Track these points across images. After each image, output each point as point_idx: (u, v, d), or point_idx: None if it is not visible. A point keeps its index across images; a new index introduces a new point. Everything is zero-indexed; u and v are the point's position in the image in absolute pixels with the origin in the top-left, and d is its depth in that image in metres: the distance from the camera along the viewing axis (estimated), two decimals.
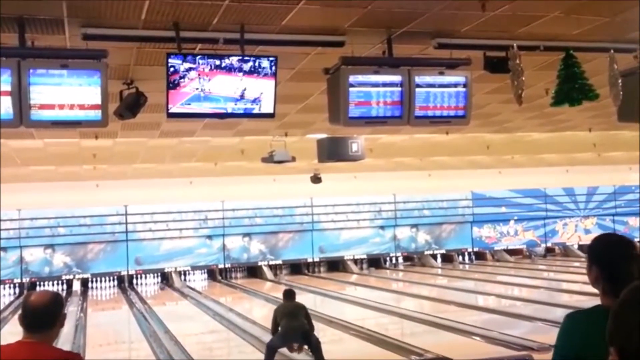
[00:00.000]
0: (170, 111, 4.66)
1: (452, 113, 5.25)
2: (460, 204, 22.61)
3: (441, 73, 5.19)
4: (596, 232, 23.83)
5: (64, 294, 18.72)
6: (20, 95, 4.32)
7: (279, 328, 7.67)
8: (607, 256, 2.29)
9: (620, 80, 5.24)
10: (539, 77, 6.46)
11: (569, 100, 5.35)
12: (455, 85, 5.23)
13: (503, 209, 22.87)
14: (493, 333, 9.98)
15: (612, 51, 5.26)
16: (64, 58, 4.46)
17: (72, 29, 4.57)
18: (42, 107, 4.39)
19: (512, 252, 22.90)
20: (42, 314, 2.80)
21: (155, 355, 9.66)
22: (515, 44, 5.09)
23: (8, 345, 2.76)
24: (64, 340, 11.26)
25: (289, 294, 8.06)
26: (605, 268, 2.26)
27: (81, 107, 4.47)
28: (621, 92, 5.24)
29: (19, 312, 2.82)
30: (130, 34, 4.73)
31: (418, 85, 5.10)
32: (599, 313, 2.14)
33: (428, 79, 5.15)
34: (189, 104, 4.67)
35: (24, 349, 2.71)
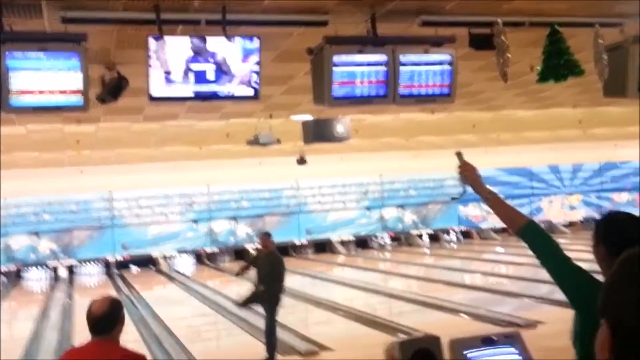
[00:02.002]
0: (152, 95, 4.60)
1: (437, 91, 5.22)
2: (446, 183, 22.69)
3: (426, 51, 5.15)
4: (581, 209, 24.10)
5: (50, 280, 18.67)
6: None
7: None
8: (615, 235, 2.19)
9: (605, 55, 5.23)
10: (525, 53, 6.43)
11: (555, 77, 5.33)
12: (441, 63, 5.18)
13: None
14: (480, 310, 10.05)
15: (597, 26, 5.24)
16: (42, 42, 4.37)
17: (51, 12, 4.48)
18: (22, 92, 4.31)
19: (498, 230, 23.08)
20: (103, 321, 3.31)
21: (144, 340, 9.65)
22: (500, 20, 5.05)
23: (82, 345, 3.36)
24: (52, 327, 11.24)
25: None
26: (614, 248, 2.14)
27: (62, 92, 4.39)
28: (607, 67, 5.23)
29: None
30: (110, 16, 4.64)
31: (403, 64, 5.05)
32: None
33: (413, 57, 5.10)
34: (170, 85, 4.60)
35: (96, 347, 3.27)
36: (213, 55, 4.68)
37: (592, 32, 5.22)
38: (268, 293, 7.72)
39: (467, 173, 2.76)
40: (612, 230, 2.24)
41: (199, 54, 4.64)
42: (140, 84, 5.09)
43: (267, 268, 7.85)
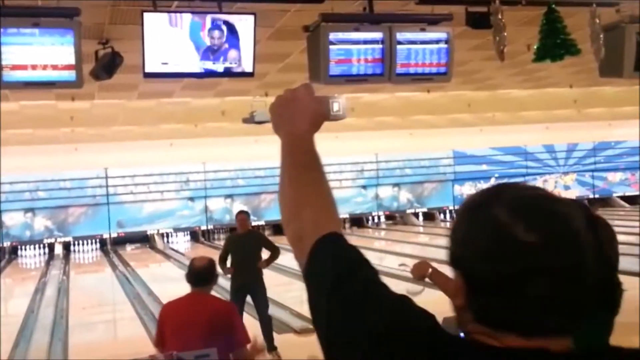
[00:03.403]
0: (146, 71, 4.57)
1: (433, 70, 5.20)
2: (441, 162, 22.70)
3: (423, 29, 5.12)
4: (575, 188, 24.15)
5: (45, 257, 18.68)
6: None
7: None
8: None
9: (602, 35, 5.21)
10: (521, 33, 6.40)
11: (551, 56, 5.31)
12: (437, 41, 5.16)
13: (484, 167, 23.01)
14: None
15: (594, 5, 5.22)
16: (35, 17, 4.33)
17: None
18: (15, 67, 4.29)
19: None
20: (203, 275, 4.02)
21: (139, 316, 9.68)
22: None
23: (184, 296, 4.04)
24: (47, 304, 11.27)
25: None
26: None
27: (54, 67, 4.36)
28: (603, 47, 5.21)
29: (185, 272, 4.11)
30: None
31: (399, 42, 5.03)
32: None
33: (409, 35, 5.08)
34: (166, 63, 4.58)
35: (194, 297, 3.98)
36: (208, 32, 4.65)
37: (588, 11, 5.20)
38: (255, 276, 6.99)
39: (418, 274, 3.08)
40: None
41: (193, 30, 4.60)
42: (134, 60, 5.06)
43: (249, 249, 7.06)
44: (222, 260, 7.04)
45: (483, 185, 22.90)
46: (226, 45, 4.74)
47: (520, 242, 0.90)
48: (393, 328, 0.98)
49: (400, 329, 0.98)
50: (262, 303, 7.06)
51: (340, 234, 1.17)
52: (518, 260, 0.90)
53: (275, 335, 7.44)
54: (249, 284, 7.01)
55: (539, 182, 23.86)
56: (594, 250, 0.92)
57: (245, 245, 7.09)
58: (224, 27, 4.69)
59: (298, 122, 1.28)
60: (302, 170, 1.22)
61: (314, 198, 1.19)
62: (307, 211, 1.17)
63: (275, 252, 7.17)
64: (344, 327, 1.01)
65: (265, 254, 7.28)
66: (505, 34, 5.01)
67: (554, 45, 5.18)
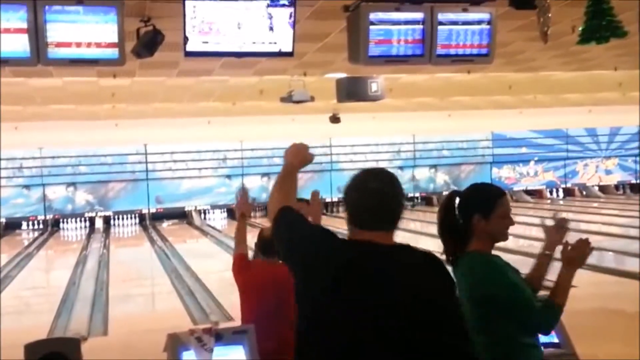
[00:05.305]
0: (187, 49, 4.61)
1: (475, 51, 5.14)
2: (480, 144, 22.45)
3: (465, 10, 5.05)
4: (617, 173, 23.71)
5: (86, 230, 19.11)
6: (37, 33, 4.29)
7: None
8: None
9: None
10: (566, 13, 6.26)
11: (597, 38, 5.17)
12: (479, 22, 5.09)
13: (523, 150, 22.69)
14: None
15: None
16: None
17: None
18: (59, 45, 4.36)
19: (531, 192, 22.84)
20: (272, 243, 3.98)
21: (176, 290, 9.86)
22: None
23: (256, 265, 4.31)
24: (88, 276, 11.55)
25: None
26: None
27: (98, 45, 4.43)
28: None
29: (255, 241, 4.33)
30: None
31: (440, 23, 4.98)
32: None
33: (451, 16, 5.01)
34: (206, 42, 4.60)
35: (267, 266, 4.20)
36: (248, 11, 4.66)
37: None
38: None
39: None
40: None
41: (233, 9, 4.62)
42: (175, 38, 5.10)
43: None
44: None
45: (522, 168, 22.39)
46: (265, 25, 4.75)
47: (370, 187, 2.01)
48: (320, 243, 2.07)
49: (321, 242, 2.08)
50: None
51: (289, 207, 2.28)
52: (368, 194, 2.00)
53: None
54: None
55: (579, 166, 23.47)
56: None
57: None
58: (264, 6, 4.70)
59: (292, 160, 2.50)
60: (283, 182, 2.47)
61: (283, 195, 2.39)
62: (277, 201, 2.35)
63: None
64: (295, 252, 2.13)
65: None
66: (550, 15, 4.91)
67: (600, 27, 5.05)
